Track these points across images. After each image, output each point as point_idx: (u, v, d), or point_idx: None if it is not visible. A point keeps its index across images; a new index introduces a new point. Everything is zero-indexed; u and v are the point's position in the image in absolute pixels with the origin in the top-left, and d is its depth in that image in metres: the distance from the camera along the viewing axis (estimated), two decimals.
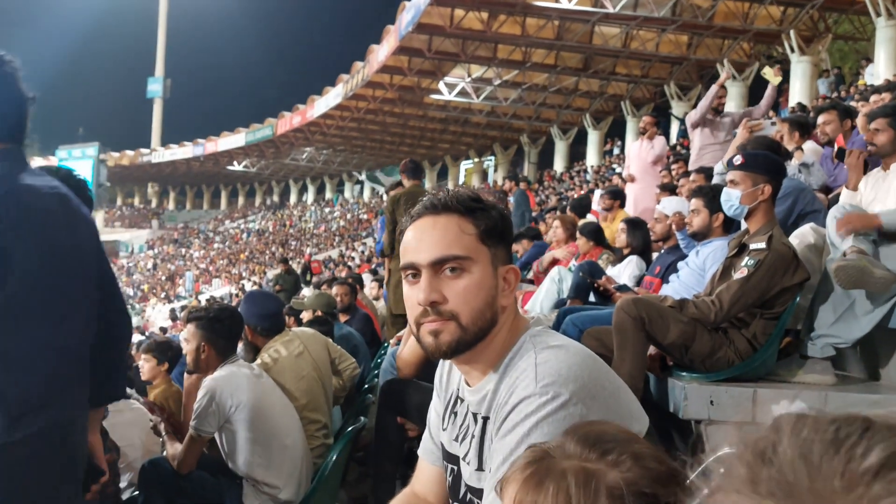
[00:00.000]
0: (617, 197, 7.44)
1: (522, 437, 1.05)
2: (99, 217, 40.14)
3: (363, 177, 12.76)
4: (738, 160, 2.92)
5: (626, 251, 4.60)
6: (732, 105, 17.13)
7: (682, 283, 3.31)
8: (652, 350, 2.86)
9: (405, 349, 2.93)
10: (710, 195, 3.41)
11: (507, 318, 1.20)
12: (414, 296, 1.17)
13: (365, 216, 39.25)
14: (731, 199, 2.88)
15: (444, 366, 1.37)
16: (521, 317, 1.24)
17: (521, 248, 7.73)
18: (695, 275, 3.28)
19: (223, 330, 2.82)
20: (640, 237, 4.57)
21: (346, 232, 36.17)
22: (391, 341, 3.34)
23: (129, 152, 50.96)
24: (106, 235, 45.89)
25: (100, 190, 30.89)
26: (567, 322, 3.25)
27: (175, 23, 62.72)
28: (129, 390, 3.77)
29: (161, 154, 49.69)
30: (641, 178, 7.23)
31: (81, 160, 32.29)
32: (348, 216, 41.88)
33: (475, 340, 1.16)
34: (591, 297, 4.13)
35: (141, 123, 61.36)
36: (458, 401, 1.29)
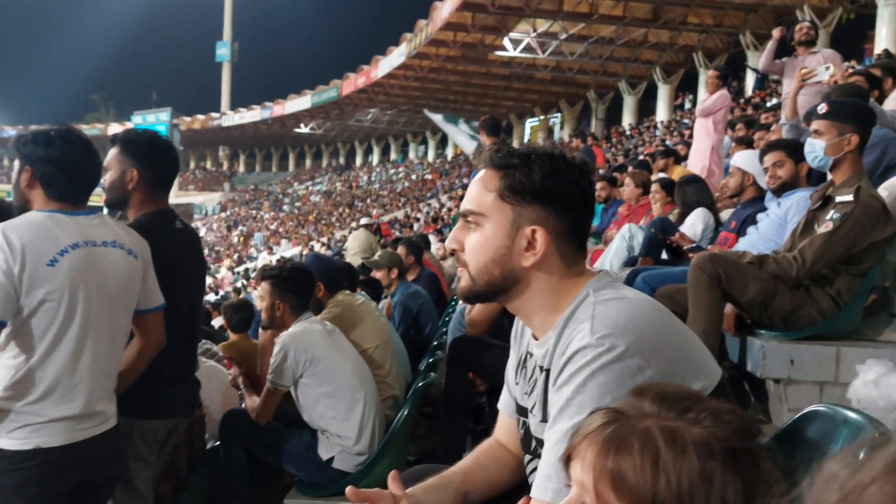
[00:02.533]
0: (670, 154, 7.24)
1: (577, 389, 1.05)
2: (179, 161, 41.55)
3: (437, 118, 12.53)
4: (822, 108, 2.77)
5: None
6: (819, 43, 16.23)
7: (761, 235, 3.18)
8: (728, 308, 2.78)
9: (474, 308, 2.94)
10: (791, 146, 3.25)
11: (544, 277, 1.18)
12: None
13: (429, 176, 39.30)
14: (815, 150, 2.74)
15: (518, 322, 1.36)
16: (586, 271, 1.21)
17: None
18: (775, 226, 3.15)
19: (296, 287, 2.89)
20: (685, 197, 4.52)
21: (411, 193, 36.32)
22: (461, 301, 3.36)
23: (201, 116, 52.26)
24: (180, 199, 47.55)
25: None
26: (639, 281, 3.19)
27: None
28: (207, 342, 3.94)
29: (231, 118, 50.75)
30: (696, 135, 6.99)
31: (156, 125, 33.31)
32: (413, 177, 42.03)
33: (489, 293, 1.21)
34: (664, 255, 4.04)
35: (211, 87, 62.73)
36: (528, 355, 1.29)
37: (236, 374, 3.03)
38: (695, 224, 4.32)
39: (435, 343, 3.89)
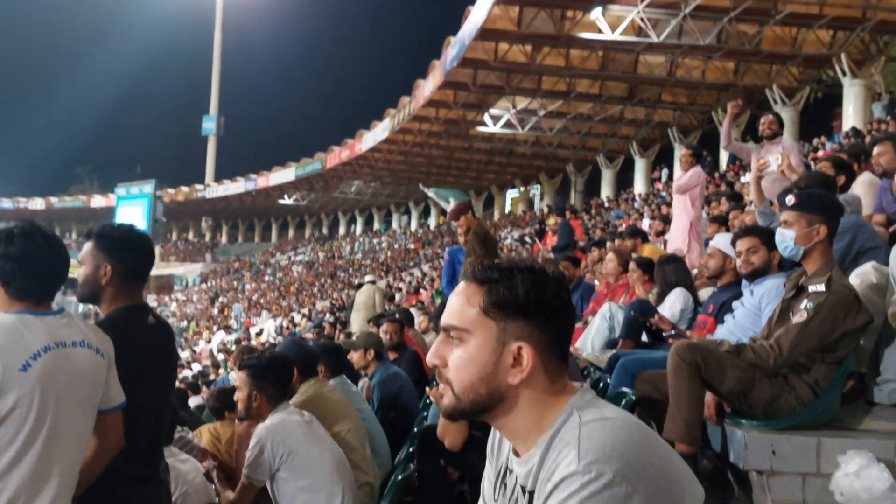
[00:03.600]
0: (637, 234, 7.39)
1: None
2: (155, 252, 41.29)
3: (430, 192, 12.79)
4: (790, 200, 2.85)
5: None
6: (785, 132, 16.80)
7: (738, 323, 3.22)
8: (708, 396, 2.78)
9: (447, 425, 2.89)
10: (765, 233, 3.33)
11: (530, 394, 1.16)
12: None
13: (412, 246, 39.48)
14: (786, 240, 2.80)
15: (495, 433, 1.35)
16: (570, 386, 1.20)
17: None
18: (750, 315, 3.19)
19: (274, 378, 2.85)
20: (664, 276, 4.57)
21: (394, 262, 36.39)
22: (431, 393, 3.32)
23: (185, 188, 52.51)
24: (161, 270, 47.21)
25: (156, 226, 31.79)
26: (619, 366, 3.19)
27: (228, 62, 64.88)
28: (182, 430, 3.84)
29: (215, 189, 51.05)
30: (674, 212, 7.16)
31: (139, 197, 33.33)
32: (395, 246, 42.19)
33: (474, 411, 1.17)
34: (644, 337, 4.06)
35: (196, 160, 63.33)
36: (508, 471, 1.26)
37: (210, 468, 2.95)
38: (674, 304, 4.36)
39: (416, 430, 3.83)
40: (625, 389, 3.00)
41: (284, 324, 26.46)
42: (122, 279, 2.28)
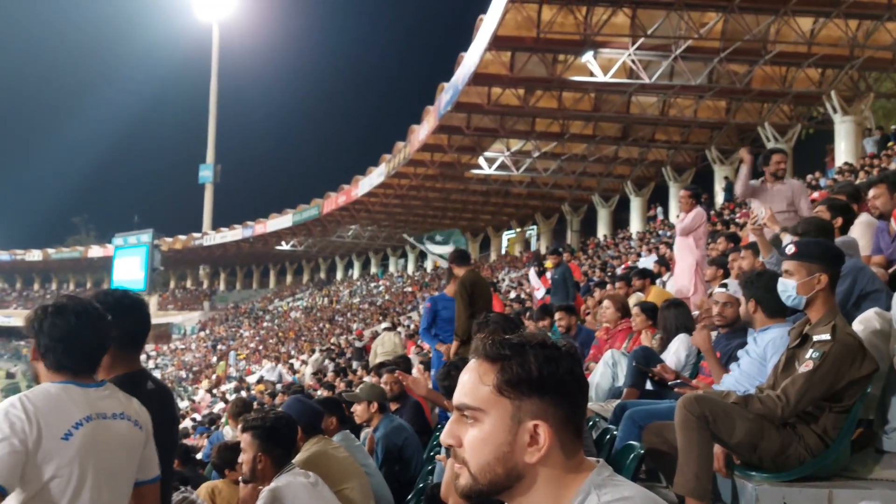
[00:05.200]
0: (646, 275, 7.41)
1: None
2: (153, 301, 41.17)
3: (412, 240, 12.89)
4: (790, 249, 2.87)
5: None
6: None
7: (744, 373, 3.21)
8: (718, 449, 2.76)
9: (447, 472, 2.84)
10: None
11: (549, 472, 1.14)
12: None
13: (410, 289, 39.43)
14: (788, 290, 2.81)
15: None
16: (587, 462, 1.19)
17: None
18: (755, 364, 3.18)
19: (280, 439, 2.83)
20: (666, 322, 4.56)
21: (392, 306, 36.30)
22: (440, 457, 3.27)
23: (182, 237, 52.62)
24: (159, 319, 47.01)
25: (154, 274, 31.77)
26: (626, 418, 3.17)
27: (224, 110, 65.68)
28: (185, 490, 3.78)
29: (212, 237, 51.16)
30: (677, 253, 7.19)
31: (137, 247, 33.38)
32: (393, 289, 42.13)
33: (491, 491, 1.14)
34: (649, 385, 4.04)
35: (193, 208, 63.68)
36: None
37: None
38: (678, 350, 4.35)
39: (421, 485, 3.77)
40: (633, 443, 2.97)
41: (283, 371, 26.26)
42: (117, 346, 2.26)
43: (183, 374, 33.55)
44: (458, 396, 1.16)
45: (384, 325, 12.56)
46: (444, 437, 1.17)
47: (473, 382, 1.15)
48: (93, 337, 2.01)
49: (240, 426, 3.00)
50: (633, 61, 18.81)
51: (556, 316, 6.40)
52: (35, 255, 62.51)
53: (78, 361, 1.98)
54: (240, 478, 3.06)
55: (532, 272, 11.94)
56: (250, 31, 79.18)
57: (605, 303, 5.76)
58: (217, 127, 60.58)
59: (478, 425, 1.13)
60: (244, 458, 2.84)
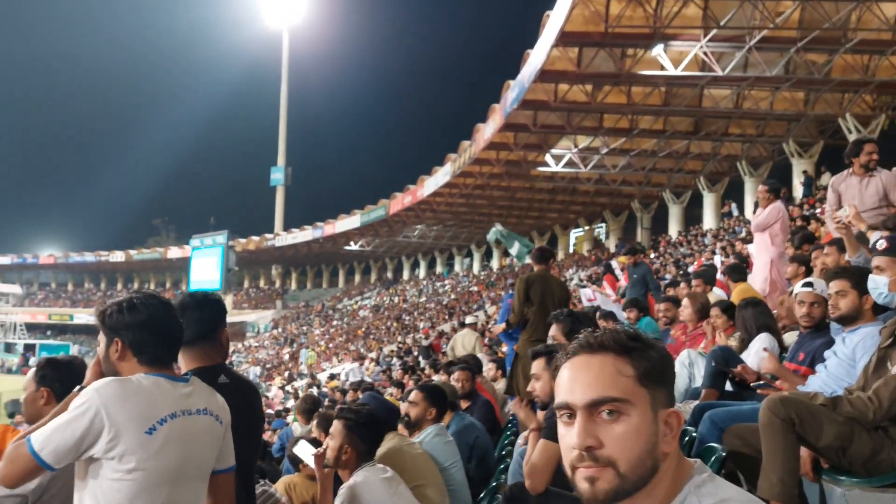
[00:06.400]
0: (707, 281, 7.18)
1: None
2: (228, 300, 42.50)
3: (492, 235, 12.71)
4: (882, 245, 2.74)
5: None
6: None
7: (831, 374, 3.08)
8: (804, 452, 2.65)
9: (535, 452, 2.85)
10: (856, 275, 3.19)
11: (669, 465, 1.14)
12: (569, 438, 1.13)
13: (475, 288, 39.46)
14: (879, 286, 2.69)
15: None
16: (685, 461, 1.18)
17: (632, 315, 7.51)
18: (844, 365, 3.04)
19: (367, 436, 2.89)
20: (745, 321, 4.39)
21: (458, 305, 36.41)
22: (519, 441, 3.27)
23: (255, 238, 54.16)
24: (234, 318, 48.54)
25: (229, 274, 32.80)
26: (706, 420, 3.09)
27: (294, 114, 67.26)
28: (265, 484, 3.89)
29: (284, 238, 52.48)
30: (756, 248, 6.96)
31: (212, 247, 34.55)
32: (458, 288, 42.25)
33: (634, 489, 1.11)
34: (728, 385, 3.92)
35: (265, 210, 65.52)
36: None
37: None
38: (759, 352, 4.20)
39: (494, 484, 3.77)
40: (714, 445, 2.89)
41: (354, 367, 26.66)
42: (189, 343, 2.34)
43: (257, 370, 34.50)
44: (597, 391, 1.12)
45: (468, 318, 12.56)
46: (584, 438, 1.11)
47: (612, 375, 1.13)
48: (178, 330, 2.09)
49: (335, 413, 3.07)
50: (705, 53, 18.29)
51: (663, 307, 6.26)
52: (118, 256, 65.50)
53: (169, 353, 2.05)
54: (315, 459, 3.10)
55: (617, 270, 11.80)
56: (318, 36, 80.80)
57: (684, 301, 5.60)
58: (287, 130, 62.15)
59: (624, 419, 1.11)
60: (331, 444, 2.91)
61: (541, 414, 3.20)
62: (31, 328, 59.00)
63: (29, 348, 44.77)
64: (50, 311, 66.21)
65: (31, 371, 2.77)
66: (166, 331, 2.03)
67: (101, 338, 2.05)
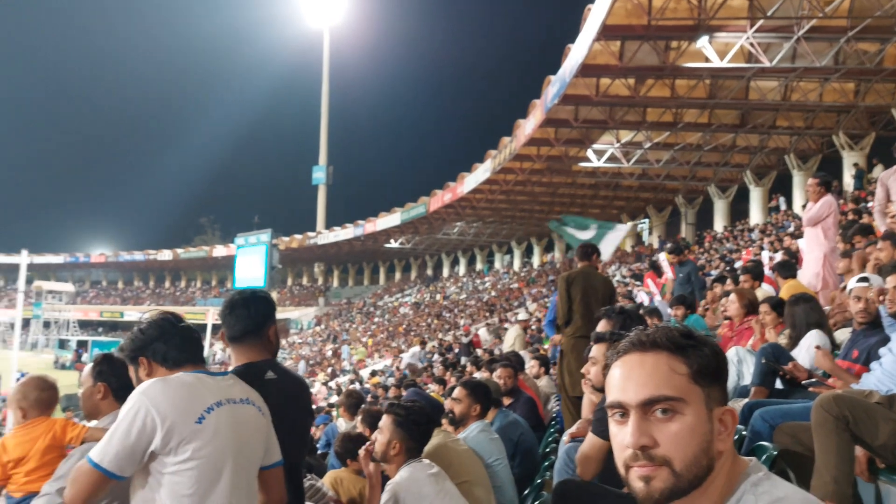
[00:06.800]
0: (756, 278, 7.02)
1: None
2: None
3: (556, 225, 12.44)
4: None
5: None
6: None
7: (886, 372, 2.99)
8: (859, 452, 2.59)
9: (586, 444, 2.83)
10: None
11: (724, 463, 1.13)
12: (622, 437, 1.13)
13: (516, 285, 39.34)
14: None
15: None
16: (740, 459, 1.17)
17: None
18: None
19: (416, 432, 2.92)
20: (794, 318, 4.28)
21: (498, 302, 36.35)
22: (564, 438, 3.25)
23: (298, 236, 54.90)
24: (278, 314, 49.24)
25: (273, 272, 33.28)
26: (756, 417, 3.03)
27: (335, 114, 67.99)
28: (311, 477, 3.95)
29: (326, 236, 53.09)
30: (807, 243, 6.79)
31: (257, 245, 35.11)
32: (499, 286, 42.17)
33: (690, 488, 1.10)
34: (778, 383, 3.84)
35: (307, 208, 66.41)
36: None
37: None
38: (810, 349, 4.10)
39: (539, 481, 3.76)
40: (765, 443, 2.84)
41: (396, 365, 26.82)
42: (231, 341, 2.43)
43: (302, 366, 35.00)
44: (651, 390, 1.12)
45: (520, 315, 12.55)
46: (638, 437, 1.10)
47: (665, 373, 1.12)
48: (188, 330, 2.21)
49: (385, 408, 3.11)
50: (751, 44, 17.88)
51: (731, 298, 6.18)
52: (166, 254, 67.07)
53: (192, 354, 2.16)
54: (363, 454, 3.14)
55: (665, 263, 11.65)
56: (359, 35, 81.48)
57: (731, 297, 5.51)
58: (329, 129, 62.83)
59: (679, 418, 1.10)
60: (380, 438, 2.95)
61: (586, 401, 3.20)
62: (84, 325, 60.82)
63: (81, 345, 46.10)
64: (101, 309, 68.20)
65: (88, 367, 2.87)
66: (181, 336, 2.15)
67: (131, 371, 2.18)
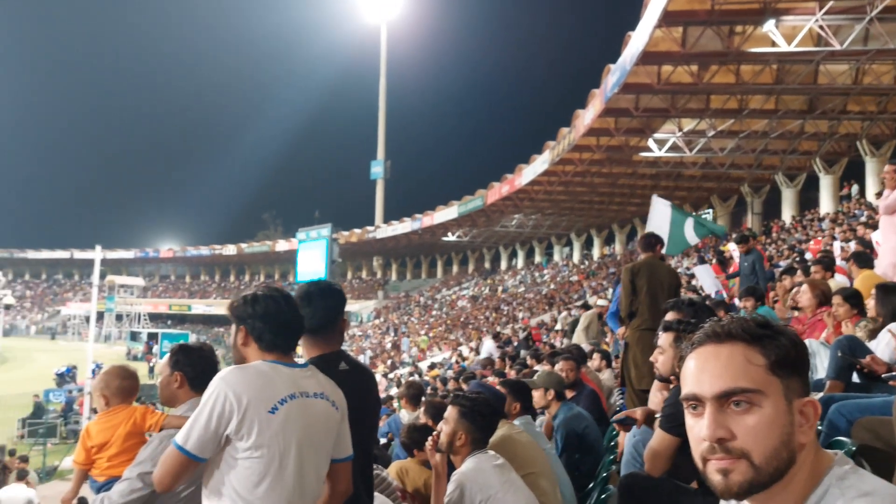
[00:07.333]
0: (827, 268, 6.75)
1: None
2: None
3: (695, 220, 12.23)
4: None
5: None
6: None
7: None
8: None
9: (655, 441, 2.79)
10: None
11: (806, 457, 1.10)
12: (698, 430, 1.12)
13: (575, 278, 38.94)
14: None
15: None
16: (824, 453, 1.13)
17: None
18: None
19: (482, 423, 2.93)
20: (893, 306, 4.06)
21: (557, 295, 36.06)
22: (628, 435, 3.21)
23: (357, 230, 55.65)
24: None
25: (333, 266, 33.89)
26: (833, 411, 2.93)
27: (393, 108, 68.46)
28: (377, 468, 4.01)
29: (384, 230, 53.65)
30: (883, 232, 6.51)
31: (317, 240, 35.80)
32: (558, 278, 41.82)
33: (770, 481, 1.08)
34: (854, 377, 3.70)
35: (366, 203, 67.23)
36: None
37: None
38: (890, 342, 3.93)
39: (605, 474, 3.73)
40: (843, 439, 2.75)
41: (454, 359, 26.94)
42: (311, 331, 2.45)
43: (363, 358, 35.54)
44: (726, 382, 1.10)
45: (598, 302, 12.42)
46: (715, 430, 1.09)
47: (741, 365, 1.11)
48: (294, 319, 2.21)
49: (448, 400, 3.13)
50: (820, 27, 17.19)
51: (803, 289, 6.01)
52: (230, 249, 68.94)
53: (287, 341, 2.18)
54: (430, 445, 3.17)
55: (735, 254, 11.36)
56: (416, 29, 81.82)
57: (803, 287, 5.33)
58: (386, 124, 63.34)
59: (756, 410, 1.09)
60: (445, 428, 2.97)
61: (654, 392, 3.15)
62: (153, 318, 63.04)
63: (152, 337, 47.82)
64: (170, 302, 70.63)
65: (166, 357, 2.98)
66: (284, 322, 2.17)
67: (232, 326, 2.20)
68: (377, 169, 62.89)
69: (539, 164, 32.86)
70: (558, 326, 19.59)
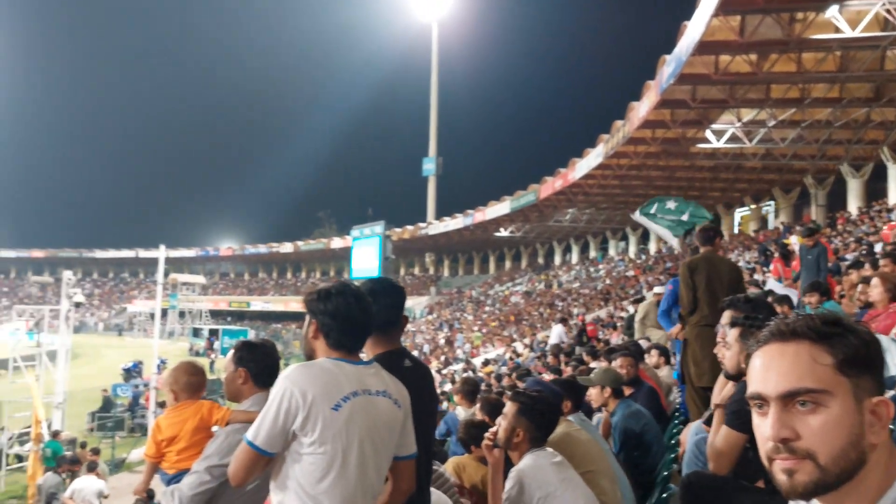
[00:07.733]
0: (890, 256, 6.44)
1: None
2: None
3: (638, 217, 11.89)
4: None
5: None
6: None
7: None
8: None
9: (718, 437, 2.74)
10: None
11: (879, 458, 1.07)
12: (763, 429, 1.11)
13: (632, 273, 38.35)
14: None
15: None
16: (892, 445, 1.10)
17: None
18: None
19: (541, 421, 2.93)
20: None
21: (613, 290, 35.58)
22: (688, 433, 3.16)
23: (409, 227, 56.02)
24: None
25: (386, 262, 34.21)
26: None
27: (444, 105, 68.72)
28: (434, 464, 4.04)
29: (436, 226, 53.87)
30: None
31: (371, 237, 36.21)
32: (614, 273, 41.26)
33: (837, 482, 1.06)
34: None
35: (418, 199, 67.64)
36: None
37: None
38: None
39: (665, 473, 3.67)
40: None
41: (508, 355, 26.86)
42: (377, 328, 2.47)
43: (416, 354, 35.82)
44: (791, 381, 1.09)
45: (655, 289, 12.22)
46: (776, 431, 1.08)
47: (807, 364, 1.09)
48: (364, 318, 2.24)
49: (507, 395, 3.15)
50: (887, 11, 16.48)
51: (873, 283, 5.81)
52: (287, 247, 70.29)
53: (354, 340, 2.21)
54: (488, 443, 3.18)
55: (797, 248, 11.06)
56: (467, 25, 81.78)
57: (874, 281, 5.14)
58: (438, 120, 63.52)
59: (823, 410, 1.07)
60: (504, 423, 2.98)
61: (720, 385, 3.10)
62: (214, 315, 64.74)
63: (213, 333, 49.17)
64: (230, 299, 72.47)
65: (229, 354, 3.07)
66: (353, 321, 2.20)
67: (307, 317, 2.26)
68: (429, 166, 63.22)
69: (593, 158, 32.47)
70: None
